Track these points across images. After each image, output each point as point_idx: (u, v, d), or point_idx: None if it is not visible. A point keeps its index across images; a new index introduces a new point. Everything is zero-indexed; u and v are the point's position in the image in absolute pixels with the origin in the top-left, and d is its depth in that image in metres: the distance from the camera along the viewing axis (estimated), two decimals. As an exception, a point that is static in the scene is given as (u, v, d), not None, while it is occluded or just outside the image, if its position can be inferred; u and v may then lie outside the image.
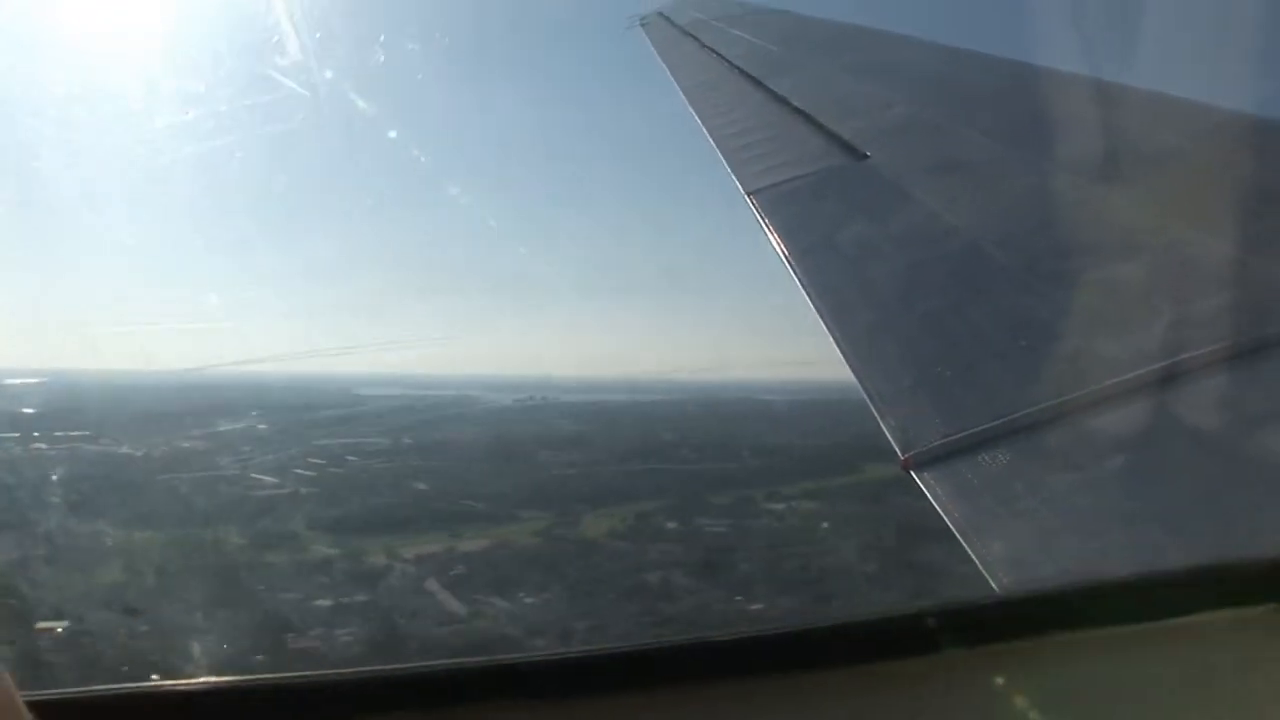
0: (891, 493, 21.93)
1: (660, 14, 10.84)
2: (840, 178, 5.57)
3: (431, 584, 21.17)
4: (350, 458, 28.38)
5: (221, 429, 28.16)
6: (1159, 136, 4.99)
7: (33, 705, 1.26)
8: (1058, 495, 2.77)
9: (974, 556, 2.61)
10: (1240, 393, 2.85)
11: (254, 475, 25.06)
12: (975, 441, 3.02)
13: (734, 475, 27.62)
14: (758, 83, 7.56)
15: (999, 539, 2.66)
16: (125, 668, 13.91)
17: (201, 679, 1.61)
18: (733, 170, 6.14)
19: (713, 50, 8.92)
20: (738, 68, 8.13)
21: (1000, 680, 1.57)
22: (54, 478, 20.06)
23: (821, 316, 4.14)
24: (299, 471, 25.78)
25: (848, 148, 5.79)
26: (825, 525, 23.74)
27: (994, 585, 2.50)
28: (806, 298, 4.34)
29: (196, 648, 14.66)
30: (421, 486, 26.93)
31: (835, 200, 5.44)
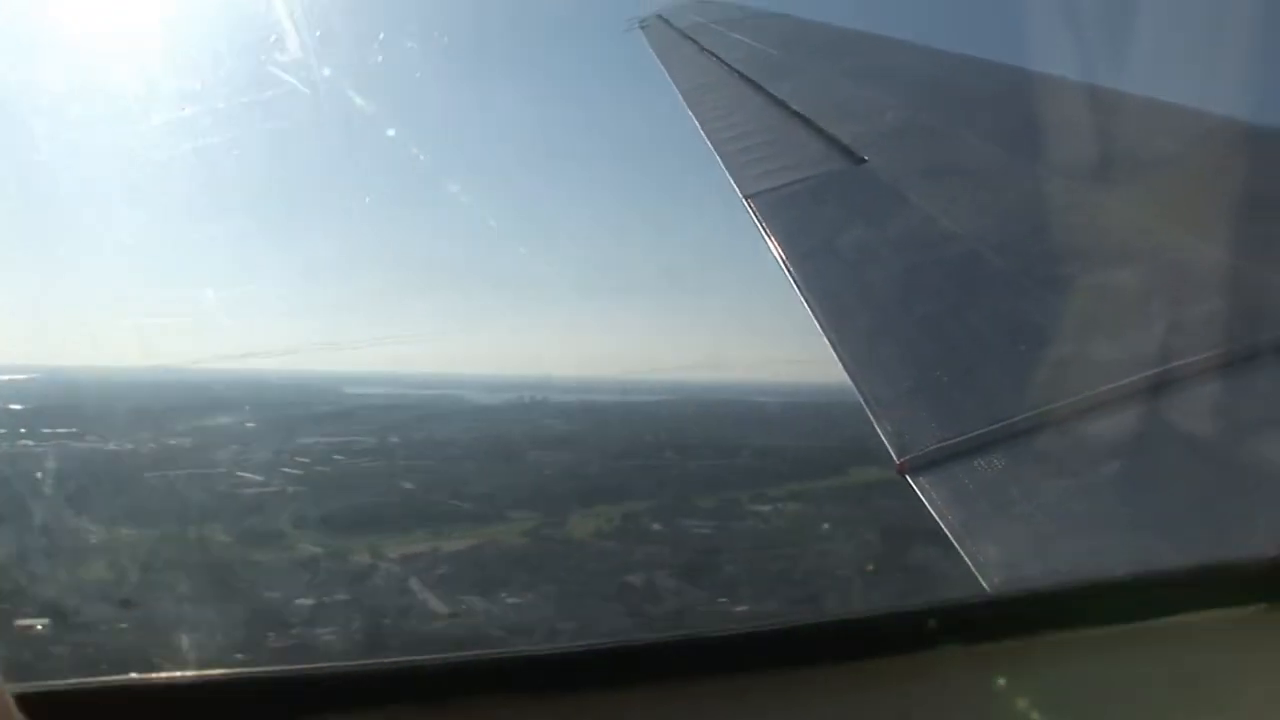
0: (878, 496, 22.08)
1: (659, 17, 10.85)
2: (838, 182, 5.58)
3: (414, 583, 21.16)
4: (338, 456, 28.37)
5: (209, 426, 28.13)
6: (1155, 142, 5.01)
7: (16, 698, 1.27)
8: (1053, 500, 2.78)
9: (969, 561, 2.62)
10: (1234, 398, 2.86)
11: (240, 473, 24.98)
12: (971, 446, 3.02)
13: (722, 477, 27.70)
14: (756, 86, 7.57)
15: (994, 543, 2.67)
16: (105, 665, 13.94)
17: (184, 673, 1.62)
18: (731, 174, 6.15)
19: (712, 53, 8.93)
20: (736, 71, 8.14)
21: (992, 678, 1.58)
22: (39, 474, 20.05)
23: (818, 320, 4.15)
24: (286, 470, 25.76)
25: (846, 152, 5.80)
26: (810, 527, 23.81)
27: (987, 589, 2.51)
28: (803, 301, 4.35)
29: (178, 644, 14.66)
30: (409, 486, 26.92)
31: (833, 204, 5.45)
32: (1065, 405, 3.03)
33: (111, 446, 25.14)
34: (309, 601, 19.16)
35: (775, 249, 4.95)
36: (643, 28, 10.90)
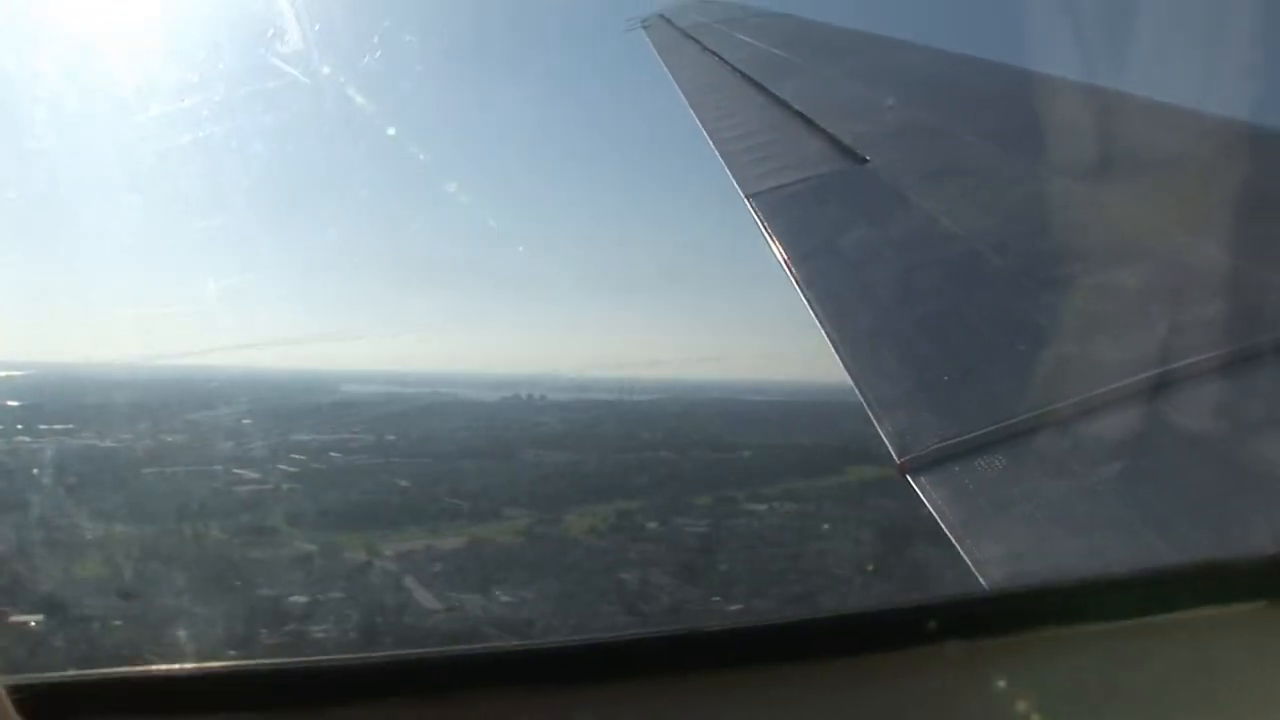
0: (874, 494, 22.17)
1: (662, 16, 10.84)
2: (840, 182, 5.58)
3: (408, 580, 21.19)
4: (334, 453, 28.41)
5: (206, 422, 28.14)
6: (1156, 143, 5.01)
7: (10, 689, 1.28)
8: (1054, 500, 2.78)
9: (969, 562, 2.62)
10: (1235, 399, 2.86)
11: (236, 470, 25.06)
12: (972, 446, 3.03)
13: (718, 475, 27.73)
14: (758, 86, 7.57)
15: (994, 544, 2.67)
16: (97, 659, 13.99)
17: (178, 666, 1.63)
18: (732, 173, 6.15)
19: (714, 53, 8.93)
20: (739, 71, 8.14)
21: (991, 674, 1.58)
22: (34, 470, 20.11)
23: (819, 320, 4.15)
24: (282, 467, 25.81)
25: (848, 152, 5.80)
26: (805, 526, 23.87)
27: (986, 589, 2.51)
28: (804, 301, 4.35)
29: (171, 640, 14.73)
30: (404, 483, 26.98)
31: (835, 204, 5.46)
32: (1066, 405, 3.04)
33: (108, 443, 25.20)
34: (302, 598, 19.22)
35: (777, 249, 4.96)
36: (645, 27, 10.89)
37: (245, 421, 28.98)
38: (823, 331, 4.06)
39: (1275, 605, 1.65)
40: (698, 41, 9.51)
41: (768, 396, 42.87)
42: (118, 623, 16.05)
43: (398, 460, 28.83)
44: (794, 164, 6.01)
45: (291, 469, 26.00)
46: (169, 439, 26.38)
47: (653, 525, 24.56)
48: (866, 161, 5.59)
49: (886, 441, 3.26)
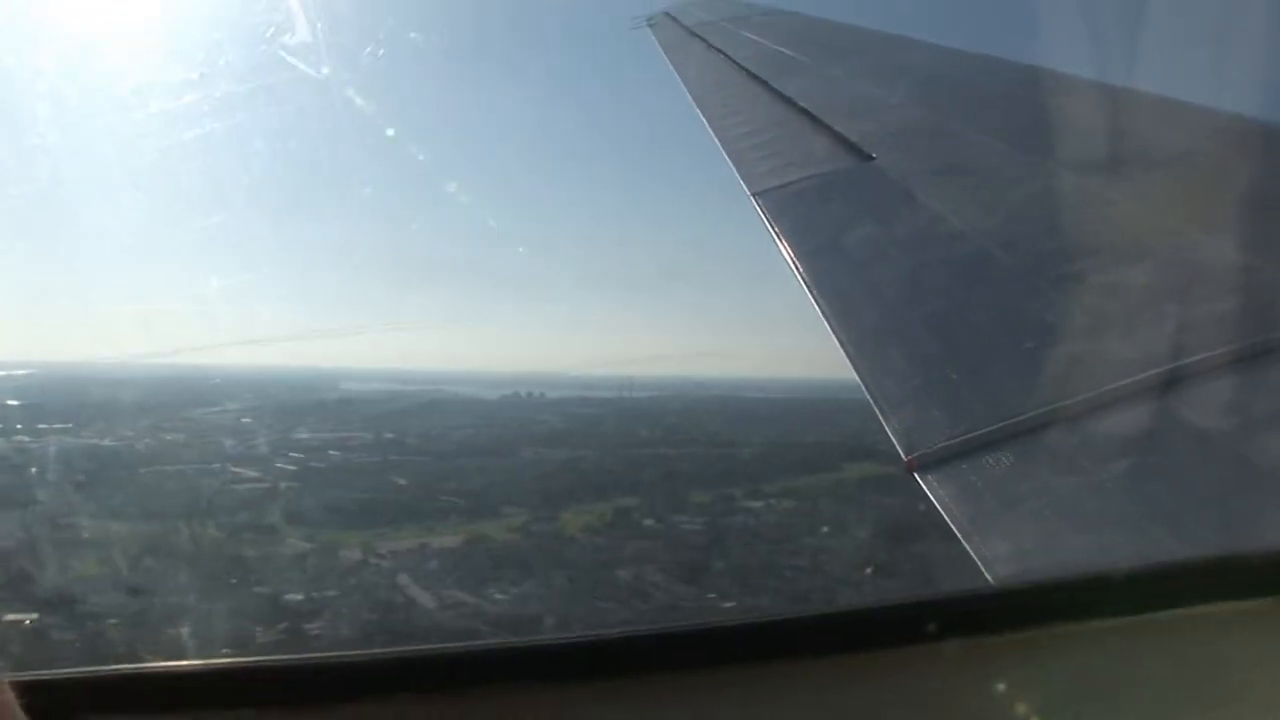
0: (871, 491, 22.18)
1: (667, 14, 10.84)
2: (846, 180, 5.58)
3: (403, 578, 21.23)
4: (333, 451, 28.47)
5: (205, 421, 28.26)
6: (1165, 140, 4.99)
7: (13, 685, 1.29)
8: (1062, 498, 2.78)
9: (977, 559, 2.62)
10: (1245, 396, 2.85)
11: (234, 469, 25.13)
12: (979, 444, 3.02)
13: (716, 472, 27.77)
14: (764, 84, 7.57)
15: (1002, 540, 2.66)
16: (94, 657, 14.05)
17: (178, 663, 1.64)
18: (738, 171, 6.14)
19: (720, 51, 8.92)
20: (744, 69, 8.13)
21: (999, 671, 1.58)
22: (33, 470, 20.21)
23: (826, 318, 4.14)
24: (280, 465, 25.86)
25: (854, 150, 5.79)
26: (802, 523, 23.89)
27: (993, 585, 2.51)
28: (811, 299, 4.34)
29: (167, 638, 14.81)
30: (402, 481, 27.04)
31: (841, 202, 5.45)
32: (1073, 402, 3.03)
33: (107, 441, 25.35)
34: (297, 596, 19.27)
35: (783, 246, 4.95)
36: (650, 25, 10.88)
37: (244, 420, 29.08)
38: (829, 329, 4.06)
39: None
40: (703, 39, 9.50)
41: (768, 394, 43.00)
42: (114, 620, 16.15)
43: (396, 458, 28.91)
44: (800, 162, 6.00)
45: (290, 467, 26.08)
46: (168, 437, 26.53)
47: (650, 523, 24.60)
48: (873, 159, 5.58)
49: (893, 439, 3.26)
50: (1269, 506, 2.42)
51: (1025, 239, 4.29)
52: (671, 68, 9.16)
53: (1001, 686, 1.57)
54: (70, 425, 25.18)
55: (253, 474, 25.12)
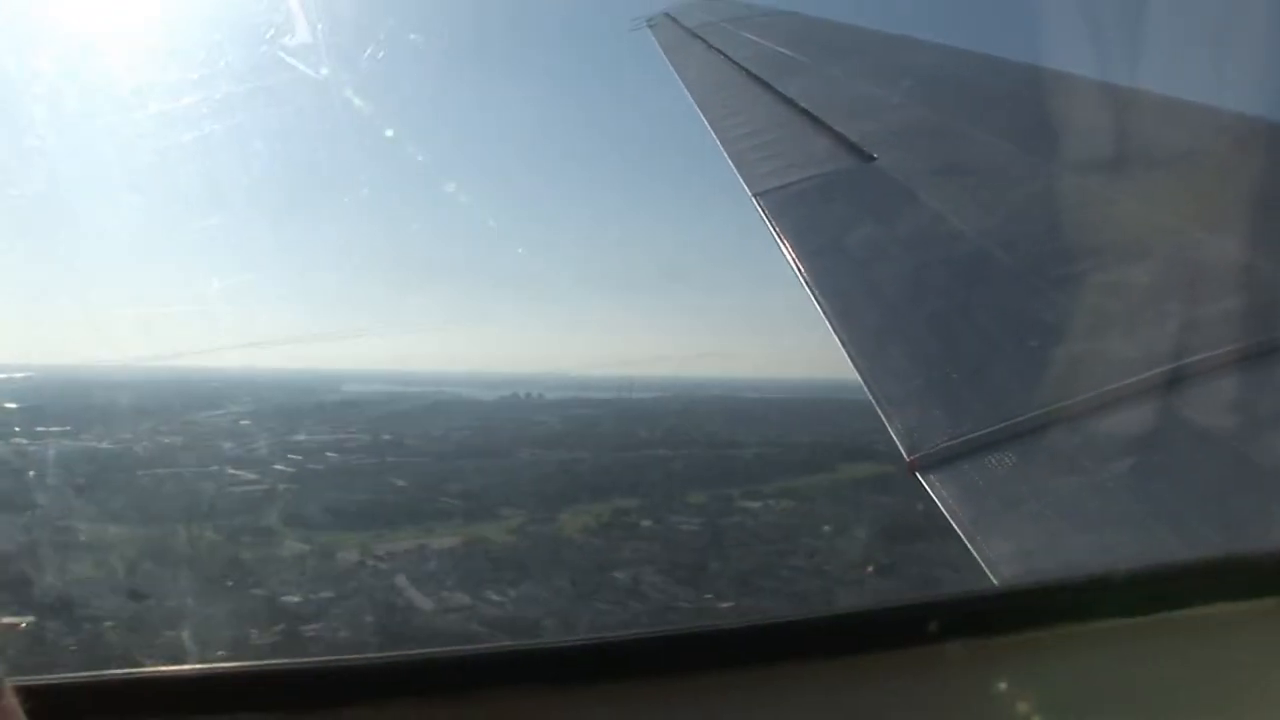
0: (868, 491, 22.18)
1: (667, 15, 10.84)
2: (847, 180, 5.58)
3: (400, 580, 21.24)
4: (331, 454, 28.43)
5: (204, 424, 28.24)
6: (1167, 140, 4.99)
7: (16, 690, 1.29)
8: (1064, 499, 2.77)
9: (979, 559, 2.62)
10: (1247, 396, 2.85)
11: (232, 471, 25.10)
12: (981, 444, 3.02)
13: (714, 473, 27.73)
14: (765, 84, 7.56)
15: (1005, 541, 2.66)
16: (90, 661, 14.07)
17: (180, 667, 1.64)
18: (740, 172, 6.14)
19: (720, 52, 8.92)
20: (745, 69, 8.13)
21: (1004, 672, 1.58)
22: (31, 473, 20.21)
23: (828, 318, 4.14)
24: (278, 467, 25.84)
25: (855, 150, 5.79)
26: (799, 524, 23.91)
27: (996, 585, 2.50)
28: (813, 299, 4.34)
29: (163, 641, 14.82)
30: (400, 483, 27.02)
31: (842, 203, 5.45)
32: (1076, 402, 3.03)
33: (105, 444, 25.28)
34: (295, 598, 19.26)
35: (784, 247, 4.95)
36: (650, 26, 10.88)
37: (244, 422, 29.09)
38: (831, 330, 4.05)
39: None
40: (704, 40, 9.50)
41: (768, 394, 43.02)
42: (111, 623, 16.17)
43: (394, 460, 28.92)
44: (801, 162, 6.00)
45: (288, 469, 26.06)
46: (167, 440, 26.47)
47: (647, 523, 24.58)
48: (874, 159, 5.58)
49: (895, 439, 3.25)
50: (1272, 506, 2.42)
51: (1026, 239, 4.28)
52: (672, 69, 9.17)
53: (1005, 687, 1.56)
54: (69, 428, 25.17)
55: (251, 476, 25.11)
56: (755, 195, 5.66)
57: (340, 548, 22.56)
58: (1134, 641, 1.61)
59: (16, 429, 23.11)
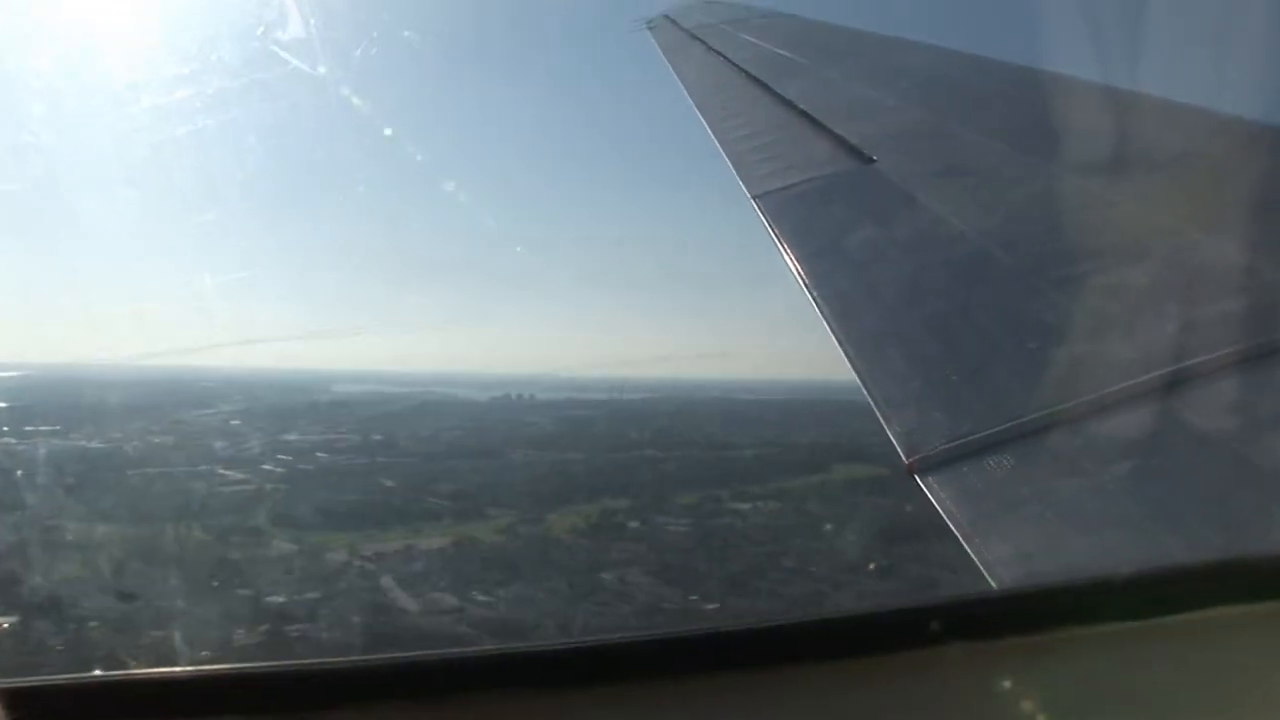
0: (860, 493, 22.20)
1: (666, 17, 10.84)
2: (846, 182, 5.57)
3: (386, 580, 21.21)
4: (320, 454, 28.49)
5: (195, 423, 28.32)
6: (1166, 142, 5.00)
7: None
8: (1064, 501, 2.77)
9: (978, 561, 2.61)
10: (1247, 398, 2.85)
11: (221, 471, 25.12)
12: (980, 446, 3.01)
13: (704, 474, 27.83)
14: (764, 87, 7.57)
15: (1004, 543, 2.66)
16: (72, 662, 14.03)
17: (163, 669, 1.63)
18: (739, 174, 6.14)
19: (719, 54, 8.93)
20: (744, 71, 8.13)
21: (1003, 675, 1.57)
22: (19, 473, 20.17)
23: (827, 320, 4.14)
24: (267, 468, 25.89)
25: (854, 152, 5.79)
26: (789, 525, 23.97)
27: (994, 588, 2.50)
28: (812, 302, 4.34)
29: (148, 641, 14.79)
30: (389, 483, 27.07)
31: (842, 205, 5.45)
32: (1076, 404, 3.02)
33: (95, 444, 25.32)
34: (280, 598, 19.23)
35: (784, 249, 4.94)
36: (650, 28, 10.88)
37: (234, 422, 29.17)
38: (830, 331, 4.05)
39: None
40: (703, 42, 9.50)
41: (762, 396, 43.10)
42: (95, 624, 16.11)
43: (384, 460, 29.01)
44: (801, 164, 6.00)
45: (278, 470, 26.11)
46: (156, 440, 26.52)
47: (635, 525, 24.64)
48: (873, 161, 5.58)
49: (894, 441, 3.25)
50: (1272, 509, 2.42)
51: (1026, 240, 4.28)
52: (671, 70, 9.17)
53: (1004, 691, 1.55)
54: (58, 428, 25.15)
55: (240, 476, 25.13)
56: (754, 197, 5.66)
57: (328, 548, 22.59)
58: (1134, 645, 1.61)
59: (5, 428, 23.08)
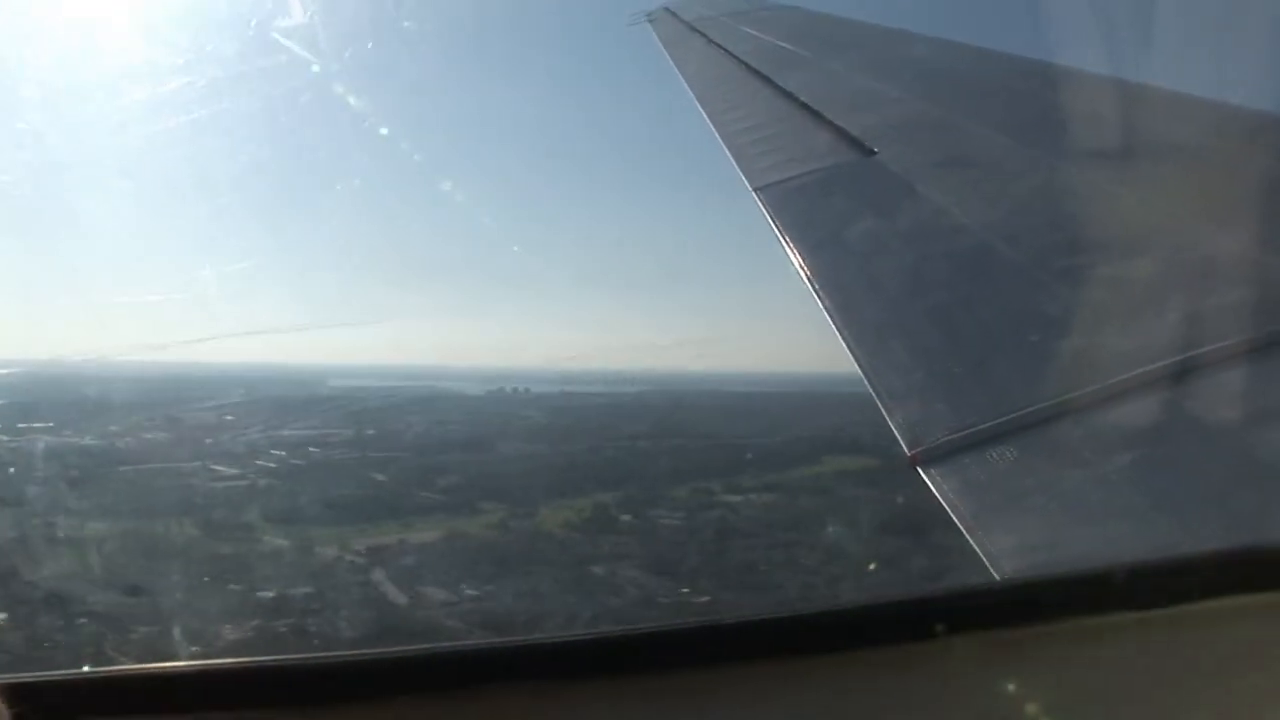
0: (851, 485, 22.19)
1: (667, 9, 10.81)
2: (848, 174, 5.56)
3: (377, 574, 21.23)
4: (313, 449, 28.37)
5: (189, 419, 28.26)
6: (1169, 133, 4.98)
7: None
8: (1067, 492, 2.76)
9: (981, 553, 2.61)
10: (1250, 389, 2.84)
11: (214, 466, 25.06)
12: (983, 437, 3.01)
13: (697, 467, 27.74)
14: (765, 78, 7.55)
15: (1007, 536, 2.65)
16: (63, 658, 14.07)
17: (158, 664, 1.63)
18: (740, 166, 6.12)
19: (720, 46, 8.90)
20: (745, 63, 8.11)
21: (1004, 667, 1.56)
22: (11, 470, 20.19)
23: (828, 312, 4.13)
24: (260, 463, 25.80)
25: (855, 144, 5.77)
26: (781, 517, 23.95)
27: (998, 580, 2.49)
28: (813, 294, 4.33)
29: (140, 637, 14.81)
30: (381, 478, 27.02)
31: (843, 196, 5.43)
32: (1079, 395, 3.02)
33: (88, 440, 25.28)
34: (270, 594, 19.22)
35: (785, 241, 4.93)
36: (650, 21, 10.85)
37: (228, 417, 29.13)
38: (832, 324, 4.04)
39: None
40: (703, 34, 9.47)
41: (758, 388, 43.20)
42: (84, 620, 16.14)
43: (377, 454, 28.92)
44: (802, 156, 5.98)
45: (270, 464, 26.03)
46: (149, 435, 26.50)
47: (627, 518, 24.59)
48: (875, 153, 5.57)
49: (896, 433, 3.24)
50: (1276, 499, 2.41)
51: (1028, 232, 4.27)
52: (672, 63, 9.14)
53: (1006, 683, 1.55)
54: (52, 424, 25.14)
55: (232, 471, 25.09)
56: (755, 189, 5.65)
57: (319, 543, 22.52)
58: (1138, 636, 1.60)
59: (-1, 425, 23.11)
